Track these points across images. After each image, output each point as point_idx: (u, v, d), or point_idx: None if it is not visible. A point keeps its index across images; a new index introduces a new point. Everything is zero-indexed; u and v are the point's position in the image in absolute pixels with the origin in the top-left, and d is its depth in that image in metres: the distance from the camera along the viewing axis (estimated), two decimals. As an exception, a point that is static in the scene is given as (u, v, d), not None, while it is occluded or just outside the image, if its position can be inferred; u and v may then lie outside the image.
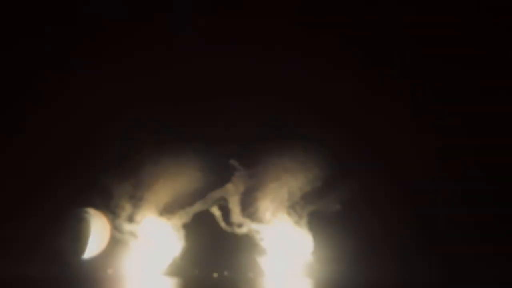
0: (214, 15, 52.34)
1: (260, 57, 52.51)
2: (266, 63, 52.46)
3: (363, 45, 51.52)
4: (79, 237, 50.90)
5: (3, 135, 51.01)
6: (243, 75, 52.92)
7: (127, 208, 54.11)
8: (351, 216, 51.42)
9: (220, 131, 52.87)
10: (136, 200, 54.36)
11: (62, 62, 52.15)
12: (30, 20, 51.70)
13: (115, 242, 53.30)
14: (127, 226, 54.11)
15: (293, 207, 53.94)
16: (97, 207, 53.20)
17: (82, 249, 51.00)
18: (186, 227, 54.24)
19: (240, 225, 53.52)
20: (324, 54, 51.24)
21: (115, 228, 53.60)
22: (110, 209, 53.56)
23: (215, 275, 53.99)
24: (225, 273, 54.22)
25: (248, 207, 54.10)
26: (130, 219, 54.22)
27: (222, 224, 53.30)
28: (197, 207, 53.97)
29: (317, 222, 53.32)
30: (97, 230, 52.39)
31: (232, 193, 53.95)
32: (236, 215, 53.72)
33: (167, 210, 54.37)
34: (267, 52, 52.30)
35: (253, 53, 52.81)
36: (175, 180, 53.78)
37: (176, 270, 54.02)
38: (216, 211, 53.50)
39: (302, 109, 52.32)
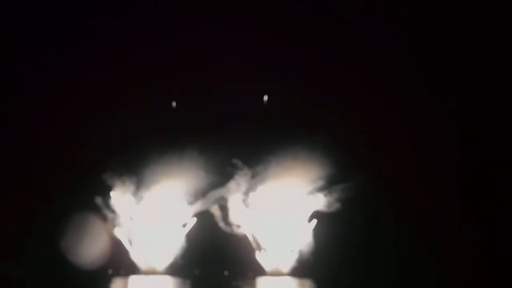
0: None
1: (262, 54, 52.68)
2: (270, 59, 52.64)
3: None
4: (79, 238, 50.72)
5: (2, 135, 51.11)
6: (244, 72, 53.01)
7: (128, 207, 54.14)
8: (352, 215, 51.27)
9: (222, 130, 52.74)
10: (137, 200, 54.39)
11: (60, 59, 52.30)
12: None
13: (115, 242, 53.34)
14: (127, 226, 54.14)
15: (294, 207, 53.85)
16: (97, 206, 53.26)
17: (82, 250, 50.79)
18: (186, 226, 54.27)
19: (240, 225, 53.44)
20: (331, 48, 51.32)
21: (116, 228, 53.66)
22: (110, 208, 53.67)
23: (226, 273, 54.26)
24: (225, 273, 54.20)
25: (249, 207, 54.03)
26: (131, 219, 54.23)
27: (222, 224, 53.21)
28: (198, 206, 53.91)
29: (318, 221, 53.26)
30: (98, 230, 52.31)
31: (234, 192, 53.87)
32: (237, 214, 53.63)
33: (168, 210, 54.30)
34: (270, 48, 52.45)
35: (256, 49, 52.98)
36: (176, 180, 53.74)
37: (176, 270, 54.06)
38: (216, 211, 53.39)
39: (304, 109, 52.24)
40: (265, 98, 54.05)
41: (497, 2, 47.54)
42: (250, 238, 53.73)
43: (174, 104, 55.10)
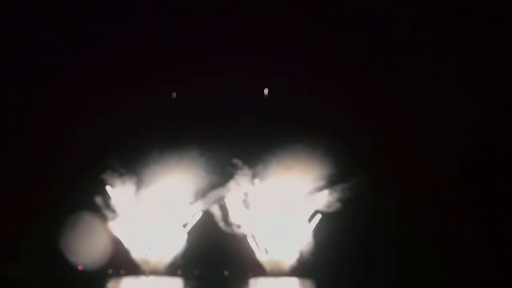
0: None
1: (263, 53, 52.77)
2: (271, 58, 52.77)
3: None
4: (79, 238, 50.68)
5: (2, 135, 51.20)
6: (245, 72, 53.08)
7: (128, 207, 54.11)
8: (353, 215, 51.20)
9: (222, 130, 52.69)
10: (137, 199, 54.34)
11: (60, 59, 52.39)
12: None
13: (115, 242, 53.32)
14: (127, 226, 54.10)
15: (295, 206, 53.75)
16: (97, 206, 53.27)
17: (82, 250, 50.76)
18: (188, 226, 54.23)
19: (240, 225, 53.36)
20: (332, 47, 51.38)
21: (115, 227, 53.66)
22: (110, 208, 53.67)
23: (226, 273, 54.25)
24: (225, 273, 54.16)
25: (249, 207, 53.96)
26: (131, 218, 54.19)
27: (222, 224, 53.12)
28: (198, 206, 53.86)
29: (318, 221, 53.17)
30: (97, 230, 52.31)
31: (234, 192, 53.79)
32: (237, 214, 53.54)
33: (168, 210, 54.23)
34: (271, 47, 52.52)
35: (257, 48, 53.03)
36: (176, 179, 53.70)
37: (176, 269, 54.00)
38: (216, 211, 53.29)
39: (305, 108, 52.20)
40: (266, 91, 53.97)
41: (497, 2, 47.48)
42: (250, 238, 53.69)
43: (174, 94, 55.05)
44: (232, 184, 53.62)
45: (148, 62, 53.10)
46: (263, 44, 52.75)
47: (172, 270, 54.15)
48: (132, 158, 53.77)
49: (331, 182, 52.54)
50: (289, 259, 53.49)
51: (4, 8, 49.38)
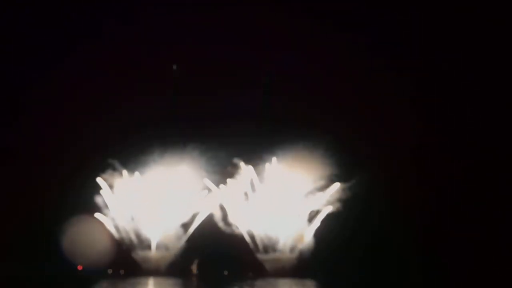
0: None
1: (264, 53, 52.83)
2: (272, 59, 52.89)
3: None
4: (79, 238, 50.70)
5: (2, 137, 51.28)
6: (246, 72, 53.22)
7: (128, 207, 54.13)
8: (353, 215, 51.25)
9: (223, 130, 52.74)
10: (137, 199, 54.32)
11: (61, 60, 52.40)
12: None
13: (114, 242, 53.35)
14: (127, 226, 54.13)
15: (295, 206, 53.75)
16: (97, 207, 53.32)
17: (82, 250, 50.79)
18: (187, 226, 54.26)
19: (240, 225, 53.35)
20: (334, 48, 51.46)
21: (115, 228, 53.69)
22: (110, 208, 53.67)
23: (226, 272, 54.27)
24: (225, 272, 54.17)
25: (249, 206, 53.95)
26: (130, 219, 54.21)
27: (222, 223, 53.11)
28: (199, 206, 53.86)
29: (319, 221, 53.19)
30: (97, 230, 52.36)
31: (234, 192, 53.81)
32: (237, 214, 53.55)
33: (168, 210, 54.23)
34: (272, 48, 52.65)
35: (258, 49, 53.14)
36: (176, 179, 53.73)
37: (176, 269, 54.04)
38: (216, 211, 53.29)
39: (305, 108, 52.28)
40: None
41: (497, 3, 47.61)
42: (250, 238, 53.67)
43: (175, 67, 54.94)
44: (232, 184, 53.70)
45: (148, 62, 53.20)
46: (263, 43, 52.89)
47: (172, 270, 54.22)
48: (132, 158, 53.76)
49: (331, 182, 52.55)
50: (289, 259, 53.58)
51: (4, 8, 49.42)
